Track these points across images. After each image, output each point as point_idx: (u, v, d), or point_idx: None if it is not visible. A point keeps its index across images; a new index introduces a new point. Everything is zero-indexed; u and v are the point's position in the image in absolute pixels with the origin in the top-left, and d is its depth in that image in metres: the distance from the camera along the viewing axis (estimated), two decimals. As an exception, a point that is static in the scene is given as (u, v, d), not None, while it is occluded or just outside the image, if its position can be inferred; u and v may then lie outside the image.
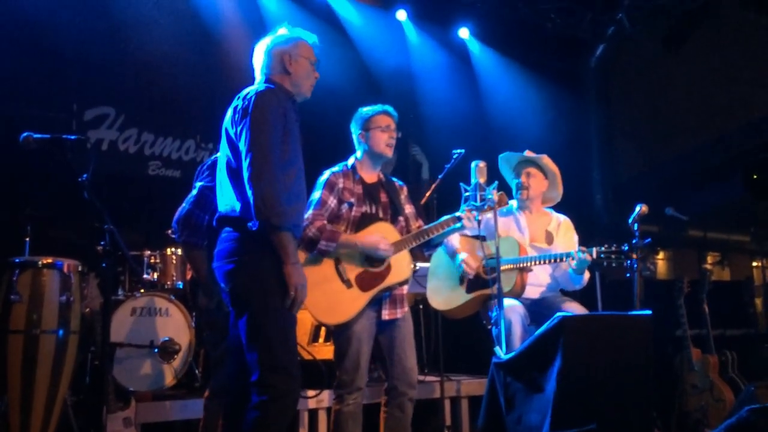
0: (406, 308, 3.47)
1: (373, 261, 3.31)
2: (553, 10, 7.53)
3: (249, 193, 2.51)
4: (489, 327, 3.73)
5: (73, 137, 2.97)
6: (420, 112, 7.07)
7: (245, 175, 2.53)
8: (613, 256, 3.59)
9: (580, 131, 8.26)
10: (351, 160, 3.51)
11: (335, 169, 3.47)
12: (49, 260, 3.43)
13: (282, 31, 2.86)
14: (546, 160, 4.12)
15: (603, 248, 3.62)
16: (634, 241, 3.69)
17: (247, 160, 2.53)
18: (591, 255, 3.61)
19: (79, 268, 3.55)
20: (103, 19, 5.63)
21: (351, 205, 3.36)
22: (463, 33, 7.61)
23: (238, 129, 2.60)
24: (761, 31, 7.66)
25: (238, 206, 2.60)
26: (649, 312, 3.07)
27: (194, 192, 3.38)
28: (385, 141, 3.44)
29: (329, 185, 3.37)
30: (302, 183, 2.71)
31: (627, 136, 8.97)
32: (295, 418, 4.26)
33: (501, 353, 3.22)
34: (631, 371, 2.92)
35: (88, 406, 3.72)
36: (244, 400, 2.57)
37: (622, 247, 3.59)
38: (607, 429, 2.64)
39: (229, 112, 2.71)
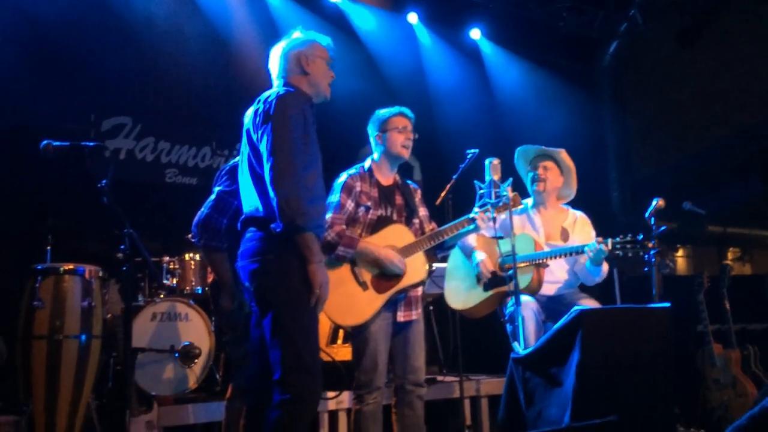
0: (420, 310, 3.49)
1: (388, 263, 3.33)
2: (565, 9, 7.53)
3: (272, 195, 2.54)
4: (504, 323, 3.73)
5: (91, 144, 3.03)
6: (433, 113, 7.08)
7: (267, 177, 2.56)
8: (628, 246, 3.58)
9: (595, 130, 8.22)
10: (367, 162, 3.53)
11: (352, 171, 3.49)
12: (71, 266, 3.48)
13: (296, 34, 2.90)
14: (563, 154, 4.11)
15: (618, 239, 3.61)
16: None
17: (269, 162, 2.56)
18: (607, 245, 3.61)
19: (100, 274, 3.60)
20: (119, 29, 5.69)
21: (368, 208, 3.39)
22: (475, 34, 7.61)
23: (260, 132, 2.64)
24: (775, 25, 7.61)
25: (261, 207, 2.64)
26: (667, 304, 3.06)
27: (213, 196, 3.42)
28: (401, 142, 3.46)
29: (347, 188, 3.39)
30: (322, 183, 2.74)
31: (643, 134, 8.92)
32: (316, 420, 4.27)
33: (519, 349, 3.21)
34: (650, 364, 2.90)
35: (111, 410, 3.76)
36: (267, 401, 2.59)
37: (637, 237, 3.57)
38: (628, 422, 2.63)
39: (250, 115, 2.75)
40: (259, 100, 2.73)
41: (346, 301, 3.29)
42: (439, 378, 5.06)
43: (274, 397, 2.55)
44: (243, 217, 2.75)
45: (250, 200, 2.71)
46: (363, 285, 3.32)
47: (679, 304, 4.73)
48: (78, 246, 4.83)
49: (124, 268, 3.02)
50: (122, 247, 3.01)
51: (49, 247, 4.28)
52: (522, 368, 3.04)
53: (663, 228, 3.64)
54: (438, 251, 3.63)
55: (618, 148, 8.32)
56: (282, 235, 2.55)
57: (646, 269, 3.74)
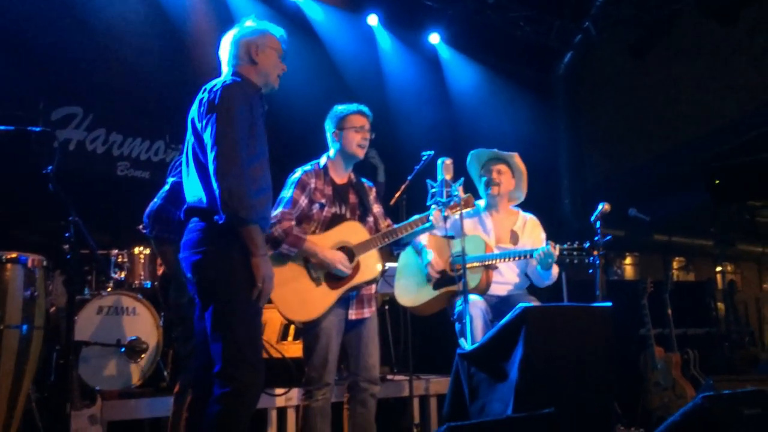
0: (374, 308, 3.50)
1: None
2: (522, 18, 7.66)
3: (215, 186, 2.51)
4: (453, 322, 3.79)
5: (38, 129, 2.96)
6: (390, 114, 7.12)
7: (211, 168, 2.53)
8: (575, 253, 3.68)
9: (549, 136, 8.38)
10: (323, 159, 3.52)
11: (307, 167, 3.47)
12: (14, 255, 3.37)
13: (249, 23, 2.86)
14: (516, 158, 4.19)
15: (566, 245, 3.71)
16: (595, 239, 3.78)
17: (213, 153, 2.52)
18: (555, 249, 3.69)
19: (44, 264, 3.51)
20: (72, 17, 5.55)
21: (322, 206, 3.38)
22: (434, 38, 7.68)
23: (204, 122, 2.59)
24: (723, 41, 7.89)
25: (205, 198, 2.60)
26: (609, 304, 3.15)
27: (166, 187, 3.38)
28: (357, 141, 3.46)
29: (301, 185, 3.38)
30: (268, 175, 2.71)
31: (595, 142, 9.13)
32: (264, 417, 4.25)
33: (465, 345, 3.26)
34: (591, 360, 2.99)
35: (52, 403, 3.67)
36: (210, 394, 2.56)
37: (584, 245, 3.67)
38: (568, 415, 2.70)
39: (195, 104, 2.71)
40: (205, 89, 2.69)
41: (299, 296, 3.28)
42: (389, 377, 5.08)
43: (214, 391, 2.53)
44: (186, 206, 2.70)
45: (193, 190, 2.67)
46: (316, 280, 3.32)
47: (624, 308, 4.87)
48: (22, 237, 4.70)
49: (69, 257, 2.96)
50: (67, 234, 2.95)
51: (-8, 238, 4.17)
52: (467, 363, 3.09)
53: (608, 237, 3.76)
54: (394, 248, 3.64)
55: (570, 155, 8.50)
56: (224, 226, 2.52)
57: (590, 271, 3.84)
